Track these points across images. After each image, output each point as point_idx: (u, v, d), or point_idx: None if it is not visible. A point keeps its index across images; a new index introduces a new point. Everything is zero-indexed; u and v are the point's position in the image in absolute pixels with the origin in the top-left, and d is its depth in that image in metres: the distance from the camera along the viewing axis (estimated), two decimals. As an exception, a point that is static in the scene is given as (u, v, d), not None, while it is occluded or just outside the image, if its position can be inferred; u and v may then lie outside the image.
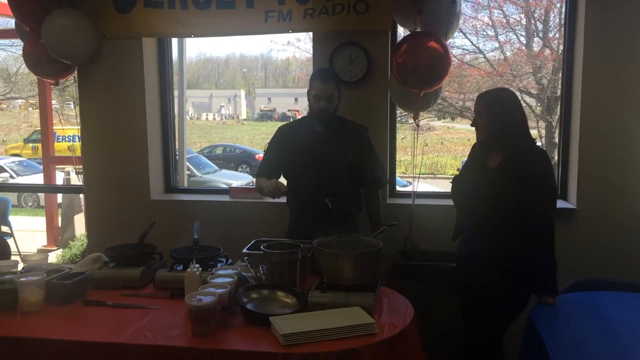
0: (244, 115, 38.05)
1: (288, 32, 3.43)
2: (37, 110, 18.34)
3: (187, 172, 7.10)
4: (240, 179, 12.59)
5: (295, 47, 26.78)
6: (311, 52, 3.57)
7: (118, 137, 3.72)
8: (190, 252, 2.57)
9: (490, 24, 9.93)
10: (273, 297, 2.17)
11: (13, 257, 3.55)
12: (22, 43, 3.66)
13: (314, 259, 2.29)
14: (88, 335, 2.02)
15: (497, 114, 2.47)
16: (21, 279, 2.25)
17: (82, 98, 3.74)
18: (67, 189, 6.29)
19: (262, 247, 2.37)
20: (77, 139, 3.78)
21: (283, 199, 3.04)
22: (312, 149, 2.89)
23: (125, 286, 2.46)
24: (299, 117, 3.29)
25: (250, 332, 1.98)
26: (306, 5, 3.29)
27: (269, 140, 3.10)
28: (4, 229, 5.49)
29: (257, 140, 22.99)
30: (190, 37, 3.62)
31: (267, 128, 26.09)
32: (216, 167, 13.47)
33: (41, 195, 10.53)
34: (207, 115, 36.26)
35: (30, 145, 17.41)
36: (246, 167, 15.92)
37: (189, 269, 2.24)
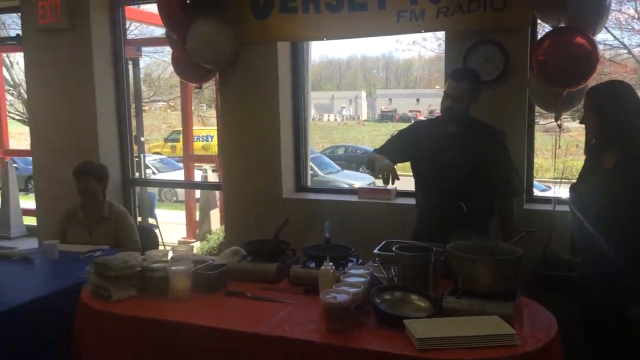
0: (364, 116, 38.26)
1: (420, 31, 3.40)
2: (175, 112, 19.72)
3: (310, 171, 7.30)
4: (361, 179, 12.68)
5: (420, 46, 26.43)
6: (437, 51, 3.51)
7: (253, 138, 3.91)
8: (322, 250, 2.63)
9: (636, 16, 9.12)
10: (406, 300, 2.16)
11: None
12: (165, 50, 3.98)
13: (447, 263, 2.24)
14: (230, 323, 2.14)
15: (608, 110, 2.24)
16: (172, 268, 2.45)
17: (222, 101, 3.98)
18: (207, 185, 6.70)
19: (393, 249, 2.36)
20: (210, 139, 4.02)
21: (411, 200, 3.01)
22: (445, 149, 2.82)
23: (261, 280, 2.58)
24: (434, 116, 3.20)
25: (383, 333, 1.99)
26: (439, 4, 3.24)
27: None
28: (151, 221, 6.00)
29: (377, 141, 22.98)
30: (323, 40, 3.71)
31: (388, 129, 25.99)
32: (338, 168, 13.68)
33: (179, 190, 11.36)
34: (328, 116, 36.96)
35: (169, 144, 18.81)
36: (368, 168, 15.98)
37: (322, 267, 2.30)
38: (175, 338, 2.19)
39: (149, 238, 3.85)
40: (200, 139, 13.58)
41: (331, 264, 2.32)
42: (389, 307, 2.10)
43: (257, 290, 2.47)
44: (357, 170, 15.47)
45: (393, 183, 2.74)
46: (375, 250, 2.53)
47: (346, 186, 9.20)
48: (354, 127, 31.69)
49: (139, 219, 5.09)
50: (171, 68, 4.08)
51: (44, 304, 2.57)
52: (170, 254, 2.83)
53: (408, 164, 3.02)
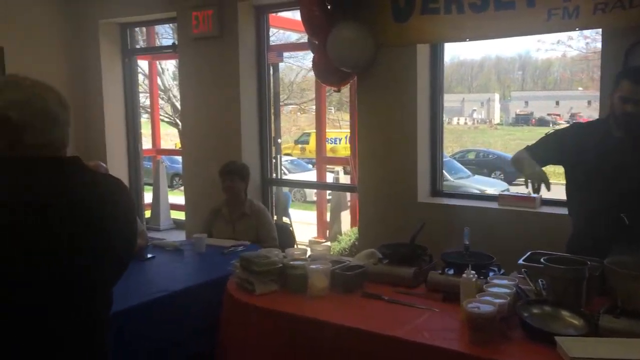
0: (497, 120, 36.67)
1: (574, 29, 3.18)
2: (305, 115, 20.26)
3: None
4: (494, 185, 12.15)
5: (565, 45, 24.69)
6: (584, 50, 3.24)
7: (390, 141, 3.91)
8: (461, 257, 2.55)
9: None
10: (557, 316, 2.03)
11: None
12: (299, 56, 4.11)
13: (604, 279, 2.06)
14: (366, 324, 2.14)
15: None
16: (311, 266, 2.51)
17: (359, 103, 4.03)
18: (341, 187, 6.78)
19: (542, 261, 2.22)
20: (338, 141, 4.07)
21: (558, 210, 2.80)
22: (610, 155, 2.56)
23: (397, 283, 2.56)
24: (594, 119, 2.90)
25: (532, 348, 1.88)
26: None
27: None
28: (285, 220, 6.24)
29: (511, 145, 21.90)
30: (465, 40, 3.61)
31: (523, 133, 24.67)
32: (469, 172, 13.23)
33: (308, 191, 11.69)
34: (458, 119, 35.95)
35: (299, 146, 19.44)
36: (500, 174, 15.31)
37: (464, 275, 2.23)
38: (313, 334, 2.24)
39: (285, 236, 4.00)
40: (329, 141, 13.87)
41: (473, 272, 2.24)
42: (538, 322, 1.98)
43: (394, 294, 2.45)
44: (488, 175, 14.87)
45: (537, 192, 2.59)
46: (521, 261, 2.40)
47: (477, 192, 8.88)
48: (486, 131, 30.50)
49: (274, 217, 5.30)
50: (303, 72, 4.20)
51: (194, 293, 2.77)
52: (308, 253, 2.91)
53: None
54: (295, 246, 3.99)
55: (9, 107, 1.34)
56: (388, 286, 2.54)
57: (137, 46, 6.00)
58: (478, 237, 2.84)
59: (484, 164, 15.93)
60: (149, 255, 3.27)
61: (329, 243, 6.31)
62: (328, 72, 3.90)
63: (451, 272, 2.51)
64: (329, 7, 3.79)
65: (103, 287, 1.47)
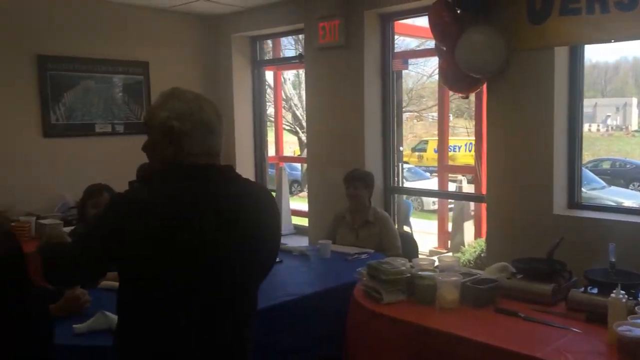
0: (634, 126, 33.62)
1: None
2: (421, 122, 19.93)
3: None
4: (632, 197, 11.14)
5: None
6: None
7: (522, 148, 3.71)
8: (607, 275, 2.35)
9: None
10: None
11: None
12: (419, 62, 4.02)
13: None
14: (500, 341, 2.04)
15: None
16: (440, 278, 2.45)
17: (489, 110, 3.88)
18: (467, 196, 6.50)
19: None
20: (457, 149, 3.93)
21: None
22: None
23: (534, 300, 2.41)
24: None
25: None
26: None
27: None
28: (405, 228, 6.17)
29: (652, 155, 19.95)
30: (610, 42, 3.34)
31: (667, 141, 22.36)
32: (604, 183, 12.24)
33: (425, 199, 11.47)
34: (589, 126, 33.41)
35: (416, 154, 19.16)
36: (638, 185, 14.01)
37: (613, 295, 2.05)
38: (442, 347, 2.18)
39: (409, 245, 3.94)
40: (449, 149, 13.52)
41: (623, 292, 2.05)
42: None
43: (530, 311, 2.31)
44: (625, 187, 13.66)
45: None
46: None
47: (613, 204, 8.17)
48: (622, 138, 28.00)
49: (396, 226, 5.26)
50: (423, 79, 4.13)
51: (321, 298, 2.81)
52: (436, 263, 2.84)
53: None
54: (419, 256, 3.92)
55: (173, 118, 1.44)
56: (523, 303, 2.40)
57: (265, 57, 6.26)
58: (626, 254, 2.62)
59: (620, 174, 14.66)
60: (278, 260, 3.37)
61: (451, 254, 6.14)
62: (456, 78, 3.80)
63: (595, 290, 2.32)
64: (458, 11, 3.69)
65: (251, 288, 1.54)
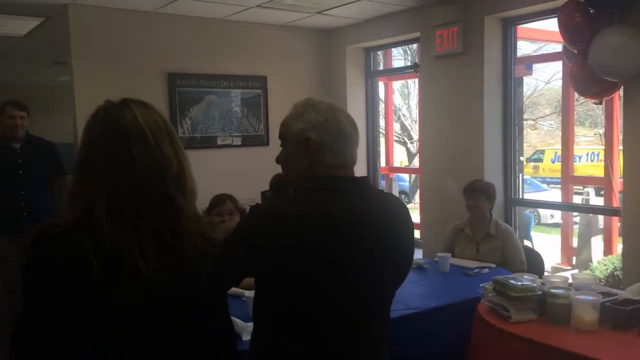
0: None
1: None
2: (535, 131, 18.91)
3: None
4: None
5: None
6: None
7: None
8: None
9: None
10: None
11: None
12: (537, 68, 3.76)
13: None
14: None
15: None
16: (577, 297, 2.27)
17: (626, 117, 3.57)
18: (601, 209, 5.97)
19: None
20: (578, 159, 3.62)
21: None
22: None
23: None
24: None
25: None
26: None
27: None
28: (526, 242, 5.85)
29: None
30: None
31: None
32: None
33: (542, 212, 10.80)
34: None
35: (532, 164, 18.17)
36: None
37: None
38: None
39: (534, 260, 3.72)
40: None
41: None
42: None
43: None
44: None
45: None
46: None
47: None
48: None
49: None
50: (540, 86, 3.87)
51: (442, 313, 2.71)
52: (569, 280, 2.64)
53: None
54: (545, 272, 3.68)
55: (310, 129, 1.43)
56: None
57: (378, 68, 6.25)
58: None
59: None
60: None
61: (576, 271, 5.72)
62: (588, 82, 3.54)
63: None
64: (591, 11, 3.44)
65: (386, 302, 1.51)
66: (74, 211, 1.14)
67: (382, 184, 9.72)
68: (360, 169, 5.84)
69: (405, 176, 14.31)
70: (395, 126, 15.22)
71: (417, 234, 6.77)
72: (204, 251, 1.21)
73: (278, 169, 1.56)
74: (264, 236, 1.32)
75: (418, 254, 5.68)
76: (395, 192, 8.26)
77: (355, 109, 5.84)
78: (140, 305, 1.12)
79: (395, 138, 15.52)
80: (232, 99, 5.28)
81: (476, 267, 3.38)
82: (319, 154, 1.42)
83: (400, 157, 16.41)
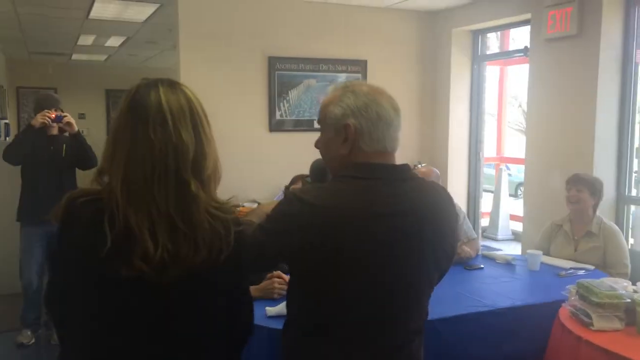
0: None
1: None
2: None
3: None
4: None
5: None
6: None
7: None
8: None
9: None
10: None
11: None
12: None
13: None
14: None
15: None
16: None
17: None
18: None
19: None
20: None
21: None
22: None
23: None
24: None
25: None
26: None
27: None
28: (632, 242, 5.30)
29: None
30: None
31: None
32: None
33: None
34: None
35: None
36: None
37: None
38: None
39: (641, 265, 3.36)
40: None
41: None
42: None
43: None
44: None
45: None
46: None
47: None
48: None
49: (631, 241, 4.55)
50: None
51: (520, 313, 2.54)
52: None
53: None
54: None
55: (348, 114, 1.38)
56: None
57: (487, 52, 5.93)
58: None
59: None
60: (478, 266, 3.17)
61: None
62: None
63: None
64: None
65: (417, 296, 1.44)
66: (98, 184, 1.20)
67: (490, 174, 9.30)
68: (460, 158, 5.64)
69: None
70: (516, 115, 14.39)
71: (519, 227, 6.41)
72: (223, 237, 1.20)
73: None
74: (291, 222, 1.34)
75: (517, 249, 5.38)
76: (505, 183, 7.82)
77: (460, 95, 5.62)
78: (150, 284, 1.15)
79: (515, 127, 14.67)
80: (331, 83, 5.30)
81: (571, 268, 3.13)
82: (357, 140, 1.38)
83: (521, 147, 15.51)
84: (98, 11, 5.52)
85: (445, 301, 2.45)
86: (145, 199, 1.16)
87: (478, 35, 5.62)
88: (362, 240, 1.31)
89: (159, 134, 1.18)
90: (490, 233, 7.62)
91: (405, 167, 1.43)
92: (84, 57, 9.37)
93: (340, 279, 1.32)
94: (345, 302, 1.34)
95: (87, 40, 7.57)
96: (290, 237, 1.33)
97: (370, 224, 1.31)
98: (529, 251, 3.27)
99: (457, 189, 5.60)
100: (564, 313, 2.36)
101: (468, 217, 5.69)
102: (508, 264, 3.25)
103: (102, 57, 9.52)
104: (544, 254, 3.32)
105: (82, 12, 5.56)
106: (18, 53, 8.98)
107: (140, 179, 1.16)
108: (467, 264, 3.17)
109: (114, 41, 7.71)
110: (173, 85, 1.25)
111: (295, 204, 1.35)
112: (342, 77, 5.31)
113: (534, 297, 2.71)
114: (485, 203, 7.71)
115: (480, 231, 5.87)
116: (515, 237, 7.23)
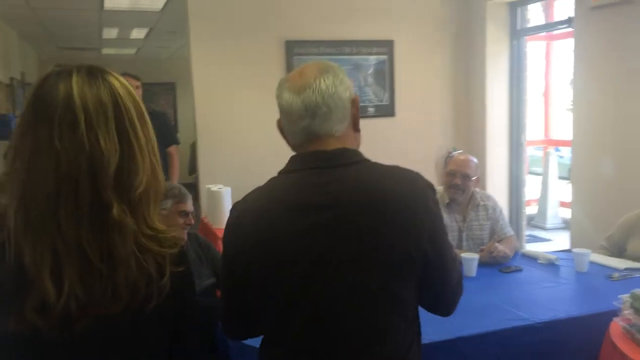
0: None
1: None
2: None
3: None
4: None
5: None
6: None
7: None
8: None
9: None
10: None
11: None
12: None
13: None
14: None
15: None
16: None
17: None
18: None
19: None
20: None
21: None
22: None
23: None
24: None
25: None
26: None
27: None
28: None
29: None
30: None
31: None
32: None
33: None
34: None
35: None
36: None
37: None
38: None
39: None
40: None
41: None
42: None
43: None
44: None
45: None
46: None
47: None
48: None
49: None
50: None
51: (562, 327, 2.16)
52: None
53: None
54: None
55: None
56: None
57: (527, 26, 5.42)
58: None
59: None
60: (515, 267, 2.79)
61: None
62: None
63: None
64: None
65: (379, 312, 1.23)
66: None
67: (536, 158, 8.74)
68: (500, 143, 5.19)
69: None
70: (569, 94, 13.64)
71: (567, 213, 5.89)
72: (154, 280, 0.91)
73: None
74: (230, 236, 1.28)
75: (565, 238, 4.90)
76: (554, 167, 7.28)
77: (497, 74, 5.16)
78: (48, 340, 0.87)
79: (569, 107, 13.92)
80: (357, 66, 4.93)
81: (626, 268, 2.71)
82: (285, 136, 1.34)
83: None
84: (112, 1, 5.34)
85: (472, 313, 2.11)
86: (47, 228, 0.87)
87: (516, 8, 5.13)
88: (268, 241, 1.20)
89: (67, 141, 0.88)
90: (538, 222, 7.13)
91: (356, 153, 1.27)
92: (112, 51, 9.33)
93: (261, 284, 1.23)
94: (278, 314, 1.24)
95: (111, 33, 7.49)
96: (240, 256, 1.24)
97: (277, 222, 1.20)
98: (574, 250, 2.86)
99: (496, 178, 5.18)
100: (615, 329, 1.98)
101: (510, 207, 5.27)
102: (551, 264, 2.86)
103: (132, 51, 9.45)
104: (620, 251, 2.91)
105: (95, 2, 5.38)
106: (47, 49, 9.03)
107: (42, 201, 0.87)
108: (502, 266, 2.79)
109: (138, 33, 7.60)
110: (93, 73, 0.96)
111: (231, 213, 1.30)
112: (368, 60, 4.94)
113: (579, 308, 2.31)
114: (534, 189, 7.22)
115: (524, 222, 5.40)
116: (567, 225, 6.71)
